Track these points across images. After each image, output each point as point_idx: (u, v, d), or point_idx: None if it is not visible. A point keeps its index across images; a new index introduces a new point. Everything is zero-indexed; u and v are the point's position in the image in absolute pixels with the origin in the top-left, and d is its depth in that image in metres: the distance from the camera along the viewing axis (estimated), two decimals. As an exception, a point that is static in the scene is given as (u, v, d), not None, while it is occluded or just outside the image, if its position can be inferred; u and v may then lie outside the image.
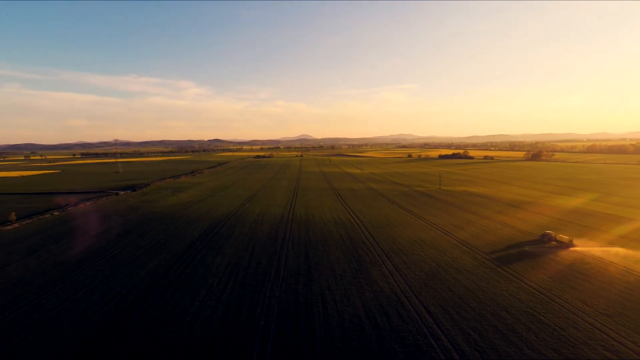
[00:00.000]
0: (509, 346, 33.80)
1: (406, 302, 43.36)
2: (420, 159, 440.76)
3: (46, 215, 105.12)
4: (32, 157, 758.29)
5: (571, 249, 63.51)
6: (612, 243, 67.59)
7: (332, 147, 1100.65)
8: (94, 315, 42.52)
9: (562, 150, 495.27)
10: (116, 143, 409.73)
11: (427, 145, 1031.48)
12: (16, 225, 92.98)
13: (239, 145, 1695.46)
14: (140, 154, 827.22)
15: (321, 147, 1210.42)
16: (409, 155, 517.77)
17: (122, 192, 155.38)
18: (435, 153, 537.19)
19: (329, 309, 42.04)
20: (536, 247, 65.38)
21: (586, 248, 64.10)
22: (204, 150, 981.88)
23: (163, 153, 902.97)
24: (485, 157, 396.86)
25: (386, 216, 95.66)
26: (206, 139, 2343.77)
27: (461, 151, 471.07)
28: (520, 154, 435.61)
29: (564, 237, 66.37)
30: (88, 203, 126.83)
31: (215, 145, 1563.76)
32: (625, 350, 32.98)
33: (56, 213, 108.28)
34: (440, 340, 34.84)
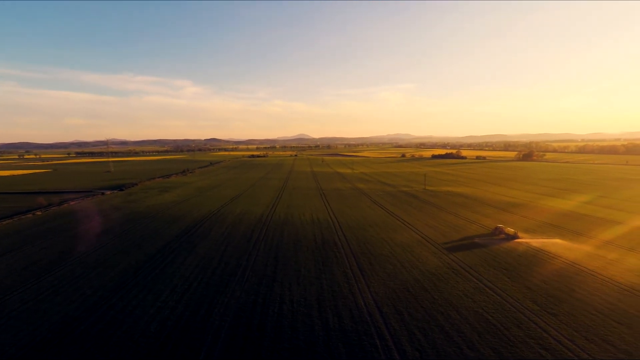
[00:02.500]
0: (450, 346, 34.71)
1: (361, 303, 44.23)
2: (413, 158, 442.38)
3: (28, 215, 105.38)
4: (26, 156, 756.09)
5: (515, 240, 71.64)
6: (562, 238, 69.26)
7: (329, 147, 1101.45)
8: (54, 316, 43.10)
9: (554, 151, 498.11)
10: (109, 142, 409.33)
11: (422, 145, 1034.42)
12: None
13: (236, 144, 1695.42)
14: (136, 153, 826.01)
15: (317, 146, 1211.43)
16: (403, 155, 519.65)
17: (108, 192, 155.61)
18: (429, 153, 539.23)
19: (284, 309, 42.84)
20: (485, 239, 73.28)
21: (528, 240, 72.13)
22: (200, 150, 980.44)
23: (158, 152, 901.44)
24: (478, 157, 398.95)
25: (365, 216, 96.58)
26: (203, 139, 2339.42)
27: (454, 151, 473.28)
28: (512, 154, 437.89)
29: (510, 230, 75.18)
30: (72, 203, 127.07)
31: (211, 145, 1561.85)
32: (560, 348, 33.99)
33: (38, 213, 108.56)
34: (385, 341, 35.71)
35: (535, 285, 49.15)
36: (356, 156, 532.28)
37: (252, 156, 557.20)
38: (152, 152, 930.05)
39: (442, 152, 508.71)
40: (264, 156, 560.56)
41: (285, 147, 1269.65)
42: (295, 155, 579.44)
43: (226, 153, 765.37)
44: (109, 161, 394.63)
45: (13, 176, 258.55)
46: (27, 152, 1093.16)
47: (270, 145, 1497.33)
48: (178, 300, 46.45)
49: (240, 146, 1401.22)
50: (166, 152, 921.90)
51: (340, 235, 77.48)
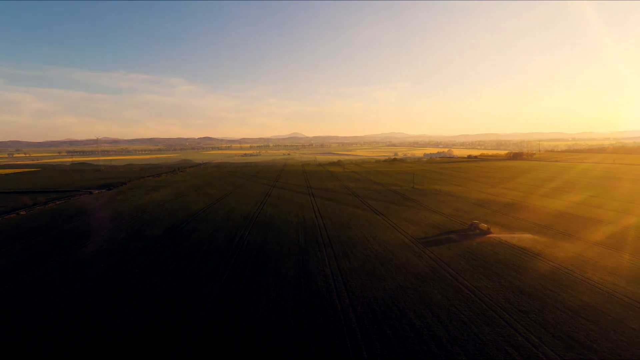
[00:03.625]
0: (419, 344, 35.11)
1: (337, 302, 44.49)
2: (405, 157, 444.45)
3: (12, 215, 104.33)
4: (15, 155, 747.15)
5: (488, 235, 74.60)
6: (528, 231, 70.25)
7: (322, 146, 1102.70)
8: (27, 318, 42.84)
9: (545, 149, 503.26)
10: (100, 141, 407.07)
11: (415, 144, 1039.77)
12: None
13: (229, 143, 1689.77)
14: (128, 152, 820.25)
15: (311, 145, 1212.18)
16: (395, 154, 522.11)
17: (96, 191, 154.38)
18: (421, 152, 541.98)
19: (259, 309, 43.01)
20: (460, 234, 76.23)
21: (500, 235, 75.04)
22: (193, 149, 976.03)
23: (151, 151, 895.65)
24: (469, 156, 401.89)
25: (350, 215, 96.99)
26: (197, 137, 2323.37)
27: (446, 150, 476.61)
28: (503, 153, 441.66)
29: (484, 226, 77.95)
30: (58, 202, 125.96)
31: (205, 144, 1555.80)
32: (527, 345, 34.55)
33: (22, 212, 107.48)
34: (355, 340, 36.02)
35: (508, 282, 49.83)
36: (349, 155, 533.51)
37: (245, 155, 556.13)
38: (145, 150, 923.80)
39: (434, 150, 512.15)
40: (256, 155, 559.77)
41: (278, 145, 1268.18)
42: (288, 154, 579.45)
43: (219, 152, 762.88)
44: (99, 160, 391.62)
45: (0, 175, 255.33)
46: (17, 150, 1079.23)
47: (264, 144, 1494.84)
48: (155, 300, 46.38)
49: (234, 145, 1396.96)
50: (158, 150, 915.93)
51: (323, 234, 77.70)
